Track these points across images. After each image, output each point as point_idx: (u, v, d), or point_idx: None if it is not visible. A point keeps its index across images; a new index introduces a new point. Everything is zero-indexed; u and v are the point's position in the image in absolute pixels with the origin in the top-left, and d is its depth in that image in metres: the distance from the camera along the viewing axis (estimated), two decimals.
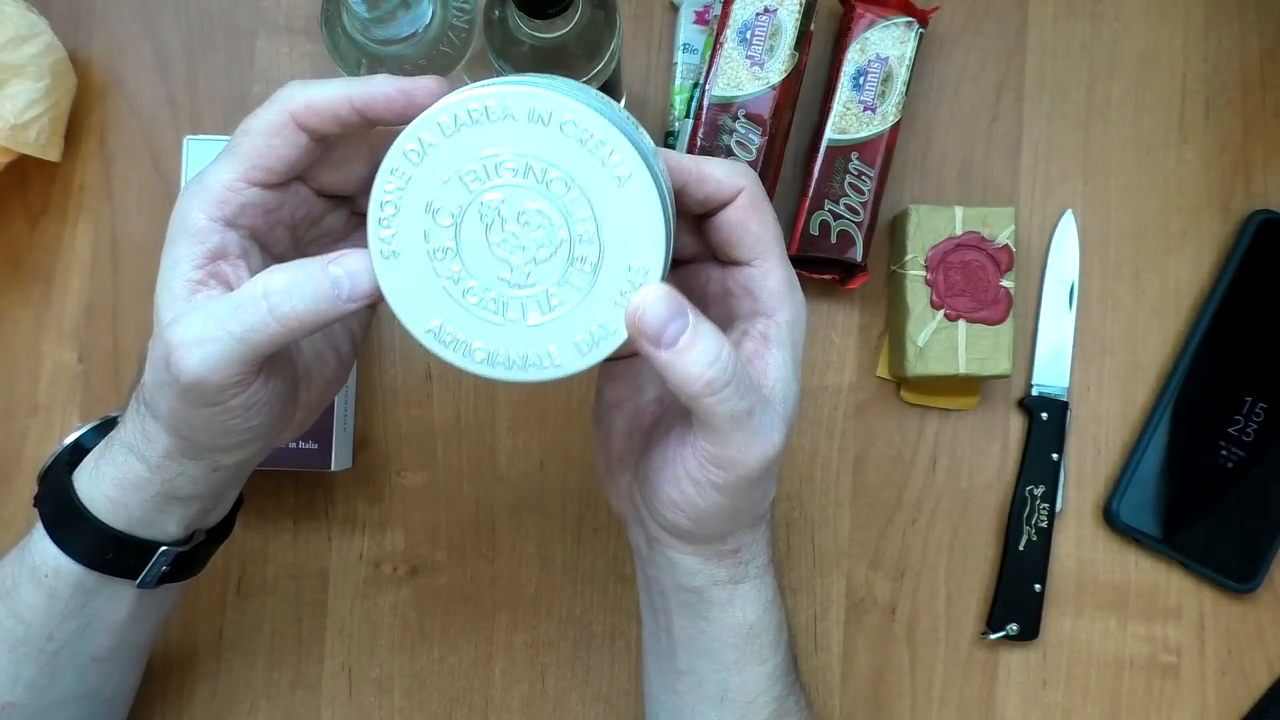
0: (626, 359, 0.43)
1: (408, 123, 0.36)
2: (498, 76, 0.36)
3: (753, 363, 0.38)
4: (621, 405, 0.43)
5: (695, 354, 0.34)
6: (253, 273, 0.37)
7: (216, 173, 0.37)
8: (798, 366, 0.39)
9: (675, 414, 0.40)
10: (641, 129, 0.37)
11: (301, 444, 0.54)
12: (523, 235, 0.36)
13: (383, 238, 0.36)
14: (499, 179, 0.35)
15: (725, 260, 0.40)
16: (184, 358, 0.35)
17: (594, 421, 0.44)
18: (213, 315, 0.35)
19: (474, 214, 0.36)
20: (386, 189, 0.36)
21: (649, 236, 0.35)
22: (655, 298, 0.34)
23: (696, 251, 0.41)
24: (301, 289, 0.35)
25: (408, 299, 0.36)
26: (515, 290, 0.36)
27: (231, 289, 0.36)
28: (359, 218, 0.42)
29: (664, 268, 0.36)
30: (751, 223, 0.38)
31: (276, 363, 0.38)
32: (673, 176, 0.38)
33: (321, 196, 0.40)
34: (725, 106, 0.54)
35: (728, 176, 0.38)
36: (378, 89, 0.36)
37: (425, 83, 0.36)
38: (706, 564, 0.41)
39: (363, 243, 0.43)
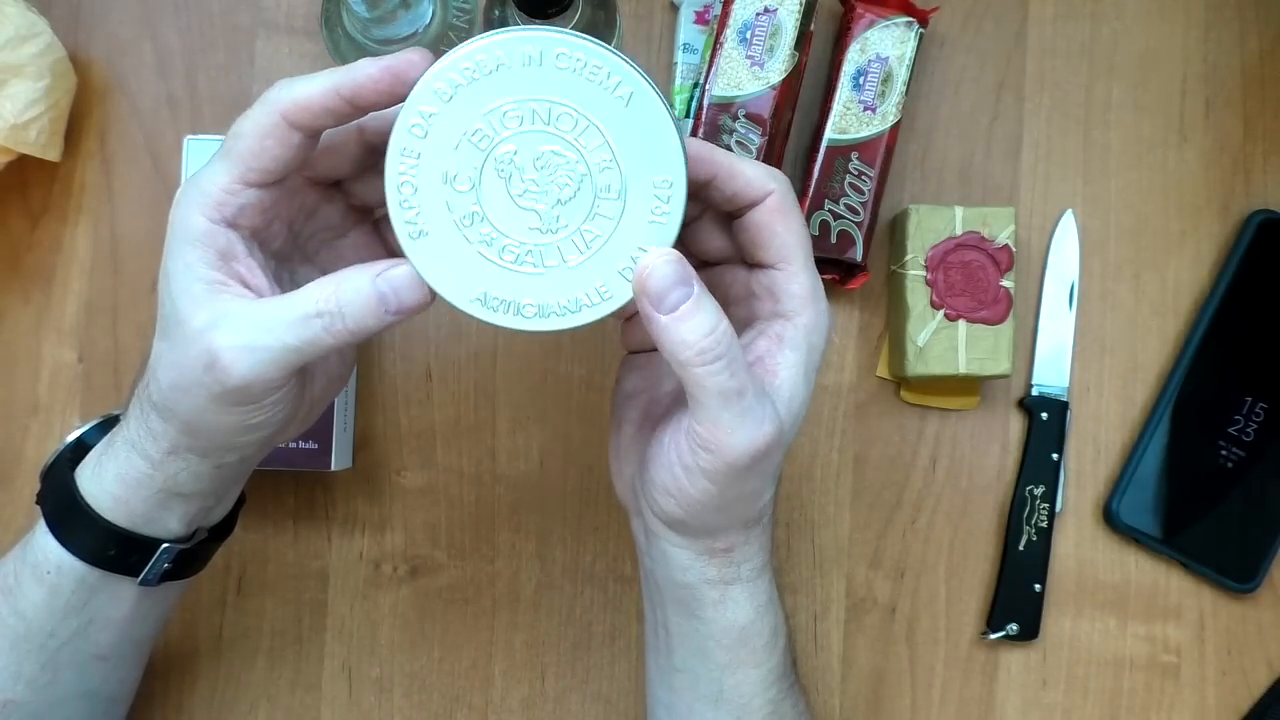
0: (649, 352, 0.44)
1: (399, 102, 0.35)
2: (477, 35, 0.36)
3: (763, 361, 0.38)
4: (638, 395, 0.43)
5: (693, 323, 0.34)
6: (259, 270, 0.37)
7: (213, 176, 0.37)
8: (811, 372, 0.39)
9: (678, 405, 0.40)
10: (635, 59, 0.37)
11: (301, 444, 0.54)
12: (543, 180, 0.35)
13: (407, 219, 0.35)
14: (507, 130, 0.35)
15: (752, 263, 0.40)
16: (234, 363, 0.35)
17: (611, 410, 0.44)
18: (260, 323, 0.35)
19: (491, 172, 0.35)
20: (400, 170, 0.35)
21: (665, 148, 0.35)
22: (664, 261, 0.35)
23: (726, 255, 0.41)
24: (353, 304, 0.35)
25: (446, 275, 0.36)
26: (549, 236, 0.36)
27: (249, 289, 0.37)
28: (356, 211, 0.42)
29: (685, 177, 0.35)
30: (778, 225, 0.38)
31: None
32: (704, 168, 0.38)
33: (315, 185, 0.40)
34: (725, 106, 0.54)
35: (758, 177, 0.38)
36: (363, 74, 0.36)
37: (407, 55, 0.36)
38: (698, 560, 0.41)
39: (363, 239, 0.43)
